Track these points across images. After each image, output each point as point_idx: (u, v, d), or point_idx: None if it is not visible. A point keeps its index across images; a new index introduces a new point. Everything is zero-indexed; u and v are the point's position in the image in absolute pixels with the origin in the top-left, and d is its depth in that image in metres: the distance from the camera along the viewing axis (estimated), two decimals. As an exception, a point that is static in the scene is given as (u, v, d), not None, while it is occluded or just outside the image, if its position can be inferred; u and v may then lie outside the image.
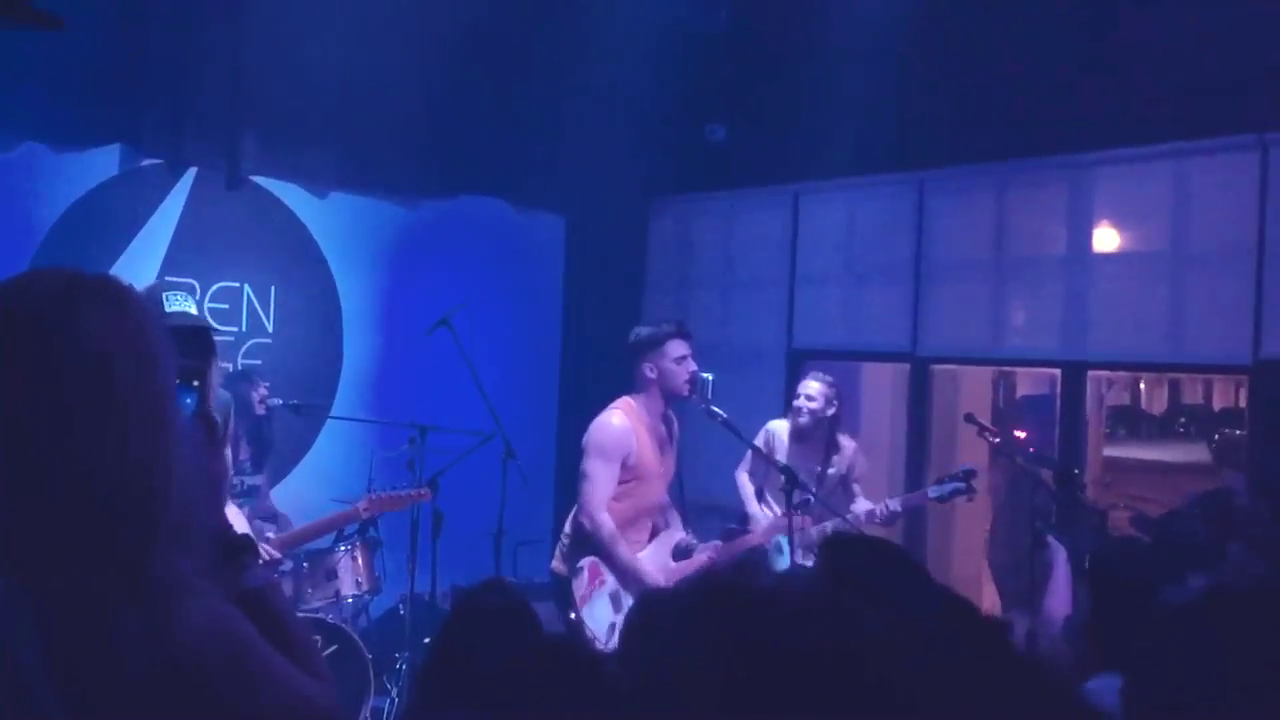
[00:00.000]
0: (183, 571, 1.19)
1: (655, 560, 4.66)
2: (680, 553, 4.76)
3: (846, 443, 5.58)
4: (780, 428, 5.56)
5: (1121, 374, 6.79)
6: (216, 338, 5.93)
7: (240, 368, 6.14)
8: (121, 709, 1.10)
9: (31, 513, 1.12)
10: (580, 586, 4.46)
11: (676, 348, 4.59)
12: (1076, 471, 4.55)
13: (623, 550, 4.49)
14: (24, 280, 1.24)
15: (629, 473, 4.54)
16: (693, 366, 4.62)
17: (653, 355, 4.59)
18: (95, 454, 1.14)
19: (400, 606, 5.74)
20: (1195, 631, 1.63)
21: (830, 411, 5.43)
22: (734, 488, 5.64)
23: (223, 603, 1.24)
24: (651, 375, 4.59)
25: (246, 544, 1.49)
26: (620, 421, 4.55)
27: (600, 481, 4.49)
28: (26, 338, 1.16)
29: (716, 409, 4.72)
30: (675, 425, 4.87)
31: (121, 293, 1.25)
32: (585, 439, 4.61)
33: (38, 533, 1.12)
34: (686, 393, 4.62)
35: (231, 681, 1.17)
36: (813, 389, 5.50)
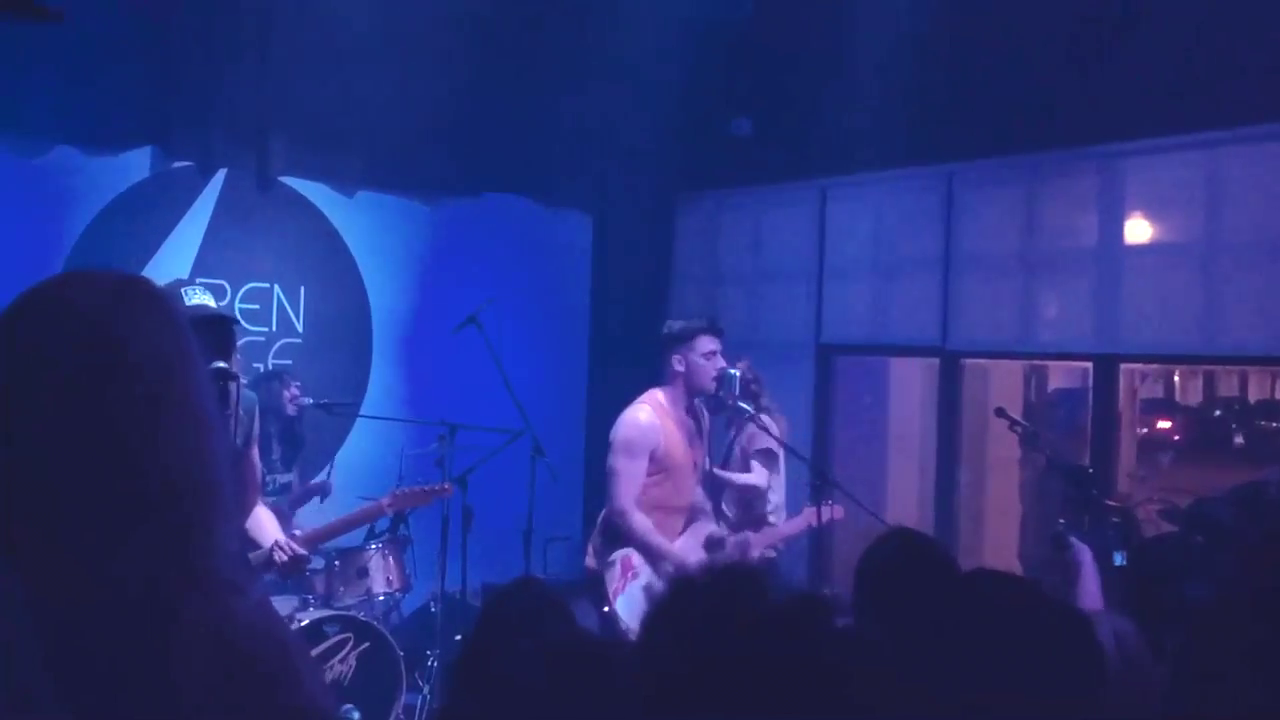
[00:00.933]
0: (233, 567, 1.21)
1: (686, 552, 4.66)
2: (712, 545, 4.76)
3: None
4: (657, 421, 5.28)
5: (1155, 366, 6.71)
6: (247, 339, 6.02)
7: (271, 368, 6.18)
8: (174, 704, 1.11)
9: (90, 506, 1.13)
10: (613, 580, 4.46)
11: (706, 343, 4.60)
12: (1091, 470, 4.49)
13: (656, 539, 4.50)
14: (71, 279, 1.26)
15: (657, 465, 4.54)
16: (721, 363, 4.63)
17: (682, 349, 4.60)
18: (154, 450, 1.16)
19: (431, 604, 5.77)
20: (1223, 627, 1.61)
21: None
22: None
23: (267, 600, 1.27)
24: (680, 368, 4.60)
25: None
26: (647, 416, 4.56)
27: (627, 476, 4.50)
28: (83, 335, 1.17)
29: (744, 404, 4.71)
30: (705, 418, 4.86)
31: (162, 293, 1.27)
32: (612, 434, 4.62)
33: (95, 526, 1.13)
34: (713, 389, 4.63)
35: (274, 678, 1.19)
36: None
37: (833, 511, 4.92)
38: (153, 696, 1.11)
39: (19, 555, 1.11)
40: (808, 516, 4.96)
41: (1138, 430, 7.48)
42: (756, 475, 5.52)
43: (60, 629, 1.09)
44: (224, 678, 1.14)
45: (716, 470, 5.21)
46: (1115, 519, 4.13)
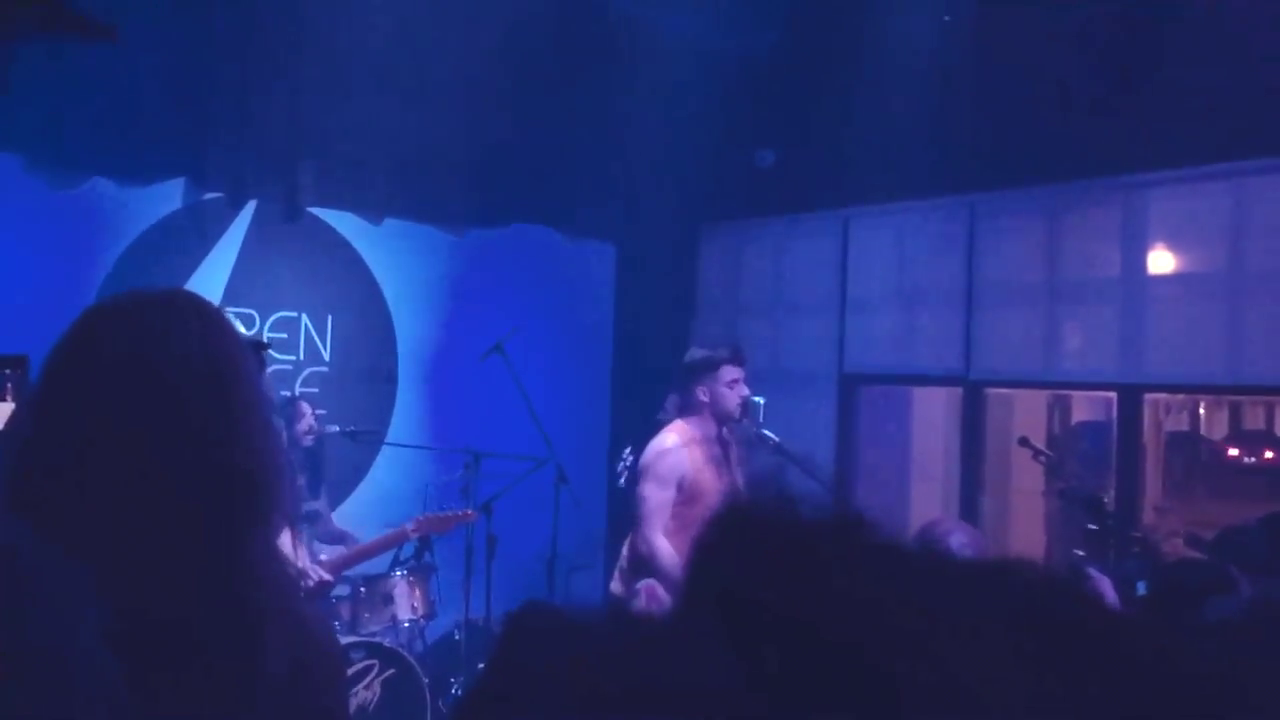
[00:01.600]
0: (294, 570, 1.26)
1: None
2: None
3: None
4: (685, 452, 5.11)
5: (1180, 397, 6.69)
6: (274, 367, 6.08)
7: (296, 394, 6.24)
8: (248, 701, 1.15)
9: (170, 507, 1.17)
10: (638, 609, 4.47)
11: (730, 372, 4.62)
12: (1105, 500, 4.48)
13: (678, 571, 4.50)
14: (136, 295, 1.31)
15: (685, 494, 4.55)
16: (745, 391, 4.64)
17: (706, 379, 4.62)
18: (231, 451, 1.21)
19: (456, 631, 5.79)
20: (1242, 644, 1.62)
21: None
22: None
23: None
24: (704, 399, 4.62)
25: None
26: (674, 444, 4.58)
27: (654, 505, 4.52)
28: (158, 343, 1.22)
29: (768, 433, 4.73)
30: (734, 448, 4.87)
31: (213, 310, 1.33)
32: (640, 463, 4.64)
33: (175, 526, 1.17)
34: (738, 416, 4.64)
35: (328, 684, 1.23)
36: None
37: None
38: (231, 693, 1.14)
39: (93, 552, 1.14)
40: None
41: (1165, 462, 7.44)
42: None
43: (136, 626, 1.12)
44: (292, 681, 1.17)
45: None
46: (1136, 549, 4.12)
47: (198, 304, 1.30)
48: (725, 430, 4.73)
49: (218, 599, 1.15)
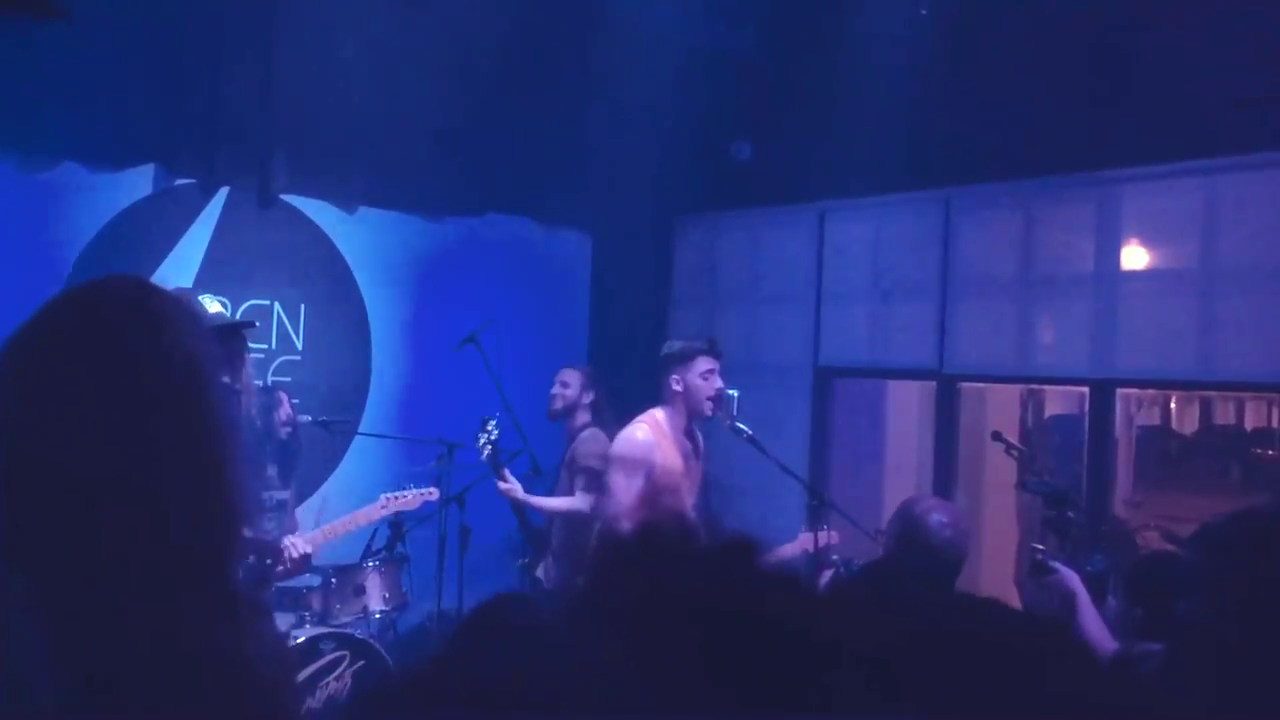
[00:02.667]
0: (252, 586, 1.23)
1: None
2: None
3: (589, 435, 5.52)
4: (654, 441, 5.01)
5: (1151, 392, 6.74)
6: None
7: (269, 384, 6.19)
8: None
9: (113, 521, 1.12)
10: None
11: (704, 364, 4.63)
12: (1070, 494, 4.49)
13: None
14: (91, 289, 1.25)
15: (653, 485, 4.56)
16: (719, 384, 4.65)
17: (680, 369, 4.63)
18: (178, 463, 1.16)
19: (427, 622, 5.76)
20: (1214, 642, 1.63)
21: (588, 399, 5.60)
22: (755, 504, 5.63)
23: (276, 623, 1.28)
24: (677, 388, 4.63)
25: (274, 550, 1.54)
26: (644, 435, 4.58)
27: (621, 493, 4.52)
28: (104, 346, 1.17)
29: (742, 426, 4.73)
30: (701, 441, 4.88)
31: (179, 301, 1.28)
32: (609, 451, 4.64)
33: (118, 543, 1.12)
34: (709, 411, 4.65)
35: (279, 705, 1.20)
36: (567, 375, 5.71)
37: (828, 537, 4.91)
38: (168, 710, 1.11)
39: (30, 566, 1.11)
40: (802, 542, 4.96)
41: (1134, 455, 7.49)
42: (579, 499, 5.33)
43: (73, 639, 1.09)
44: (238, 700, 1.14)
45: (522, 495, 5.29)
46: (1104, 543, 4.14)
47: (152, 300, 1.24)
48: (695, 424, 4.74)
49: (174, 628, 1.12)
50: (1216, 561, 2.13)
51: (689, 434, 4.75)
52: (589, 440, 5.43)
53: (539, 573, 5.41)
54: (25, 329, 1.19)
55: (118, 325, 1.20)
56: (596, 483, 5.10)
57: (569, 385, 5.68)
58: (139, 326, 1.20)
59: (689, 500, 4.76)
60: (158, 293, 1.28)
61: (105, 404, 1.15)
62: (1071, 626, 2.90)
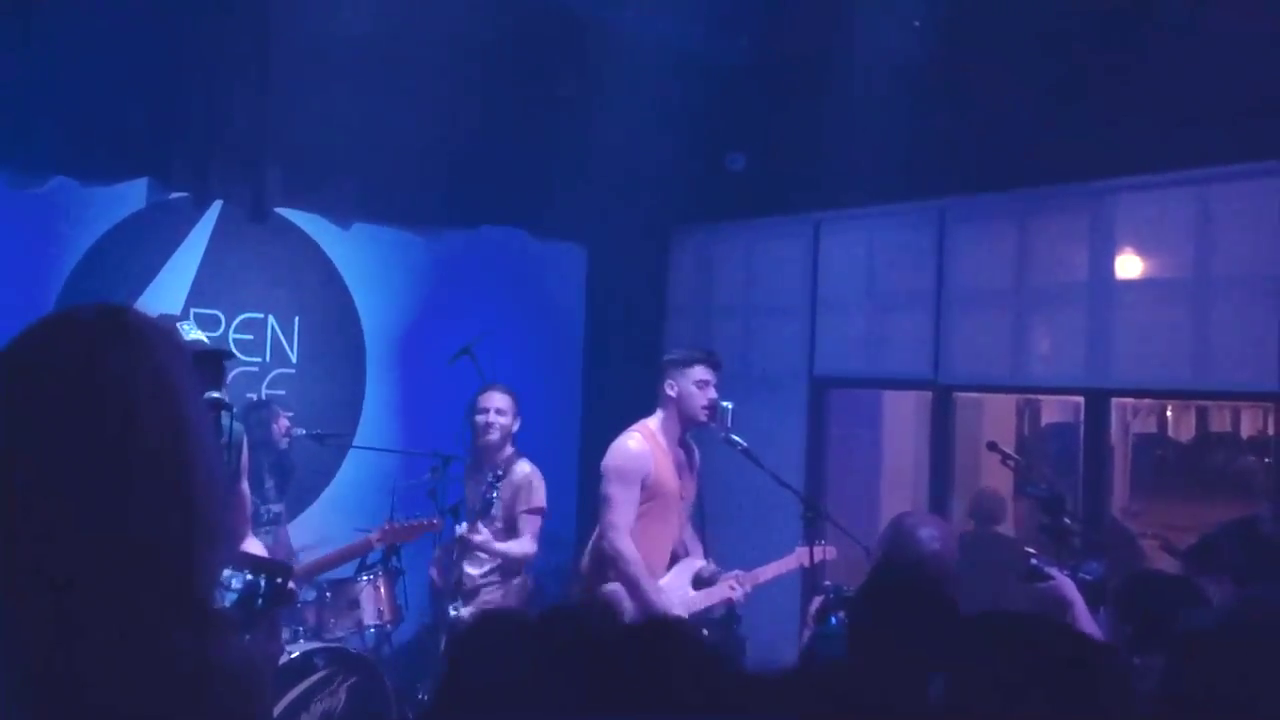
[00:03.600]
0: (220, 602, 1.23)
1: (674, 588, 4.65)
2: (701, 582, 4.75)
3: (519, 468, 5.30)
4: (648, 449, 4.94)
5: (1148, 401, 6.74)
6: (240, 369, 6.02)
7: (264, 397, 6.18)
8: None
9: (79, 545, 1.13)
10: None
11: (701, 372, 4.64)
12: (1067, 501, 4.49)
13: (646, 580, 4.48)
14: (54, 321, 1.26)
15: (647, 494, 4.55)
16: (713, 394, 4.64)
17: (676, 374, 4.64)
18: (129, 493, 1.16)
19: (423, 636, 5.74)
20: (1219, 654, 1.62)
21: (516, 426, 5.32)
22: (750, 516, 5.61)
23: (246, 638, 1.28)
24: (671, 393, 4.64)
25: (286, 569, 1.53)
26: (637, 444, 4.58)
27: (620, 505, 4.51)
28: (51, 386, 1.18)
29: (736, 437, 4.73)
30: (696, 453, 4.87)
31: (146, 329, 1.27)
32: (603, 463, 4.64)
33: (86, 562, 1.13)
34: (704, 419, 4.65)
35: (252, 715, 1.20)
36: (501, 400, 5.33)
37: (825, 552, 4.90)
38: None
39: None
40: (799, 556, 4.94)
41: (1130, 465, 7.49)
42: (524, 544, 5.24)
43: (38, 657, 1.09)
44: (201, 715, 1.14)
45: (470, 535, 5.05)
46: (1100, 551, 4.13)
47: (119, 328, 1.24)
48: (689, 435, 4.73)
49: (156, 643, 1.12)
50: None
51: (683, 444, 4.74)
52: (535, 479, 5.31)
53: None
54: (4, 353, 1.20)
55: (93, 346, 1.21)
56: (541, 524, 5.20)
57: (504, 412, 5.38)
58: (114, 346, 1.21)
59: (681, 513, 4.75)
60: (134, 314, 1.28)
61: (80, 422, 1.16)
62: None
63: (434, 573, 5.51)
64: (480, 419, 5.37)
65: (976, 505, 6.34)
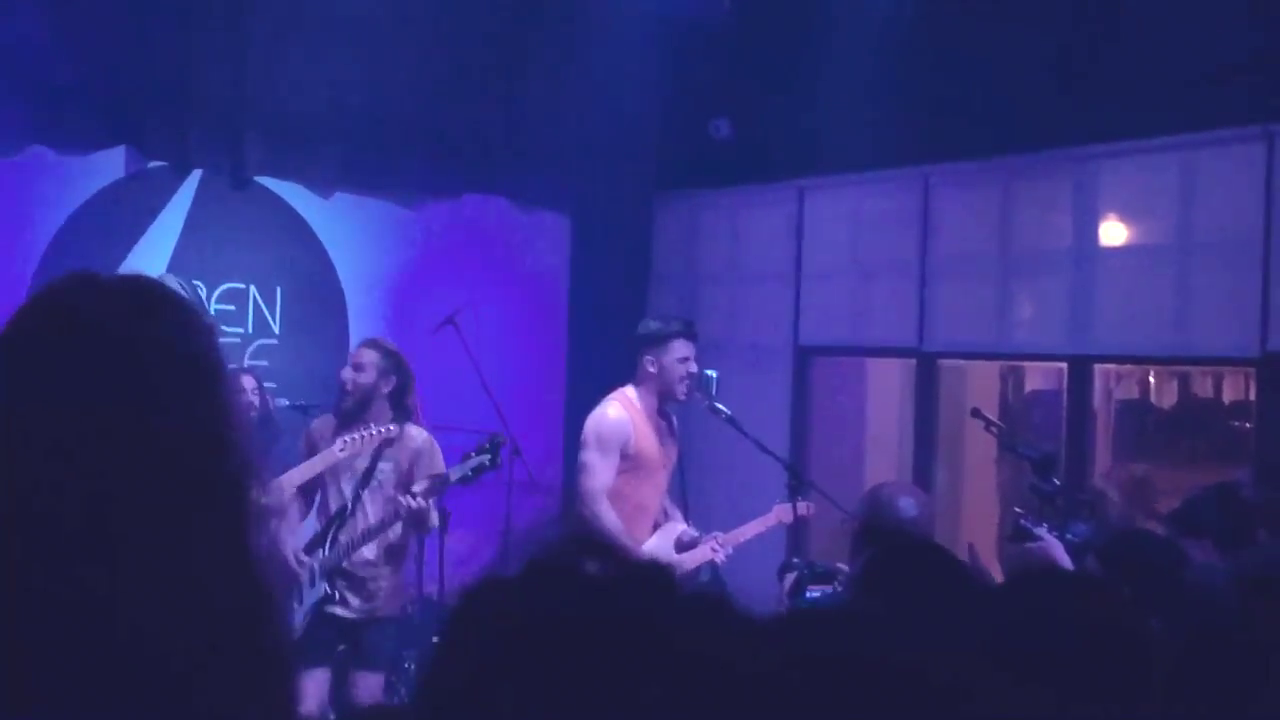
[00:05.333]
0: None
1: (656, 553, 4.67)
2: (682, 546, 4.77)
3: (414, 432, 4.61)
4: (324, 425, 4.60)
5: (1129, 368, 6.77)
6: (222, 340, 5.96)
7: (245, 367, 6.14)
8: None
9: (109, 526, 1.09)
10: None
11: (680, 348, 4.61)
12: (1052, 455, 4.52)
13: (625, 540, 4.50)
14: (79, 283, 1.21)
15: (628, 462, 4.55)
16: (693, 368, 4.64)
17: (655, 350, 4.62)
18: (179, 454, 1.14)
19: (408, 607, 5.74)
20: (1230, 612, 1.63)
21: (387, 387, 4.53)
22: (735, 484, 5.62)
23: None
24: (651, 370, 4.62)
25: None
26: (616, 412, 4.58)
27: (597, 471, 4.52)
28: (97, 343, 1.14)
29: (720, 406, 4.73)
30: (674, 420, 4.88)
31: (177, 296, 1.26)
32: (583, 431, 4.63)
33: (122, 543, 1.10)
34: (682, 395, 4.65)
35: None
36: (364, 356, 4.56)
37: (806, 508, 4.91)
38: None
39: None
40: (778, 514, 4.94)
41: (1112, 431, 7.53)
42: (433, 516, 4.58)
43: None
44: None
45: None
46: (1085, 512, 4.16)
47: (148, 295, 1.22)
48: (667, 406, 4.73)
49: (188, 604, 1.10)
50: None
51: (662, 414, 4.74)
52: (435, 444, 4.69)
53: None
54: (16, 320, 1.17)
55: (100, 320, 1.18)
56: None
57: (363, 369, 4.54)
58: (120, 320, 1.18)
59: (663, 479, 4.76)
60: (144, 286, 1.26)
61: (85, 397, 1.12)
62: None
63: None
64: (341, 375, 4.65)
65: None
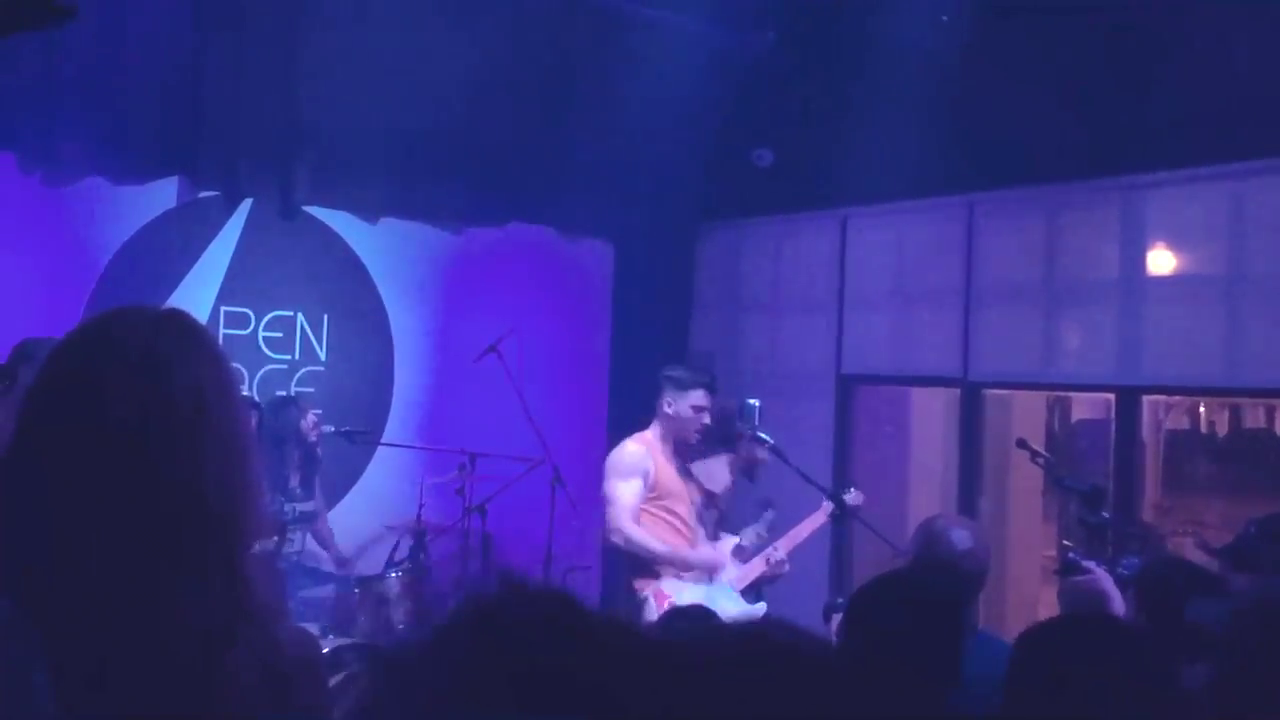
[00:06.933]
0: (271, 591, 1.26)
1: (718, 561, 4.76)
2: (742, 551, 4.85)
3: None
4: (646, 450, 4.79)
5: (1179, 398, 6.68)
6: (269, 366, 6.06)
7: (292, 394, 6.22)
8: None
9: (139, 537, 1.17)
10: (650, 614, 4.47)
11: (699, 397, 4.73)
12: (1102, 489, 4.46)
13: (662, 547, 4.56)
14: (115, 316, 1.31)
15: (653, 491, 4.63)
16: (706, 419, 4.75)
17: (674, 394, 4.72)
18: (198, 482, 1.21)
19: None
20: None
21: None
22: (779, 516, 5.60)
23: (301, 625, 1.33)
24: (668, 410, 4.74)
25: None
26: (635, 447, 4.73)
27: (621, 498, 4.60)
28: (129, 371, 1.22)
29: (764, 435, 4.73)
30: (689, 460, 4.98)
31: (202, 327, 1.35)
32: (605, 468, 4.73)
33: (144, 554, 1.17)
34: (693, 441, 4.81)
35: (311, 704, 1.23)
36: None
37: (856, 497, 4.96)
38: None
39: (41, 591, 1.13)
40: (825, 509, 4.94)
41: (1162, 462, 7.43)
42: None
43: (94, 664, 1.12)
44: (269, 702, 1.17)
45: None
46: (1136, 545, 4.10)
47: (175, 325, 1.30)
48: (680, 448, 4.81)
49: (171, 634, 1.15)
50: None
51: (680, 452, 4.83)
52: None
53: None
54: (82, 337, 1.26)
55: (132, 349, 1.25)
56: None
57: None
58: (151, 349, 1.25)
59: (690, 510, 4.80)
60: (171, 317, 1.33)
61: (118, 420, 1.20)
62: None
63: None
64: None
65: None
